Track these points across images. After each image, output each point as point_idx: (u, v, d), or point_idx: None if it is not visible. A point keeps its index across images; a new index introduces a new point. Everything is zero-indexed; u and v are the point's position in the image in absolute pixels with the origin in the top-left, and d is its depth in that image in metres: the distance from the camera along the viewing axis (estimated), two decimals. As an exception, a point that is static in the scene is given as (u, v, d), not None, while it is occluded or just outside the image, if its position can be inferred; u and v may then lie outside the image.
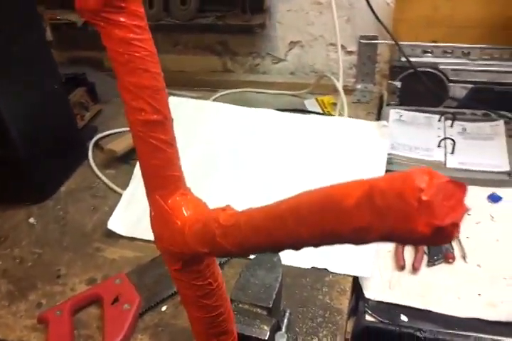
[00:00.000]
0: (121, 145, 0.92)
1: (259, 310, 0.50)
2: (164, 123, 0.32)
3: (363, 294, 0.70)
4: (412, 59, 0.87)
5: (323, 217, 0.18)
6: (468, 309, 0.67)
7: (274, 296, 0.51)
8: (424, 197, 0.15)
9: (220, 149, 0.89)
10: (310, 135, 0.89)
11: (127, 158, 0.94)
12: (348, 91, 0.98)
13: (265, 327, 0.45)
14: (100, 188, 0.91)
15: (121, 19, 0.28)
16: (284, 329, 0.54)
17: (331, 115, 0.99)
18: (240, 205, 0.39)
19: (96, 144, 0.99)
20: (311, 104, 1.05)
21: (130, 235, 0.79)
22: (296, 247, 0.21)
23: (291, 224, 0.20)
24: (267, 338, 0.45)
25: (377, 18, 0.86)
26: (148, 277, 0.73)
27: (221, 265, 0.74)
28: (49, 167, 0.87)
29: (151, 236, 0.77)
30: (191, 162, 0.86)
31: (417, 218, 0.14)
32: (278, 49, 1.05)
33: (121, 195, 0.86)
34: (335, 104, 1.03)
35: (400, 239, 0.15)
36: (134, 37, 0.28)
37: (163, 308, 0.70)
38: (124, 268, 0.75)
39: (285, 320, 0.59)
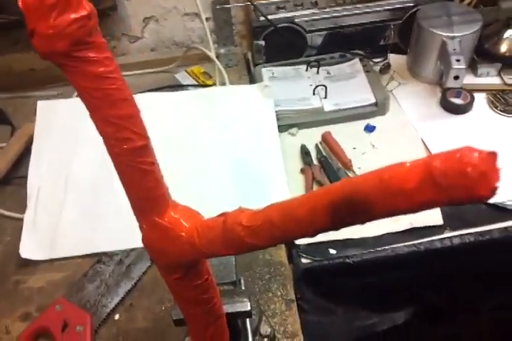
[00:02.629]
0: (-2, 166, 0.82)
1: (225, 287, 0.53)
2: (148, 145, 0.31)
3: (293, 242, 0.77)
4: (269, 17, 0.90)
5: (381, 200, 0.20)
6: (380, 227, 0.78)
7: (234, 270, 0.54)
8: (481, 170, 0.18)
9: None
10: (200, 109, 0.89)
11: (9, 178, 0.85)
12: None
13: (245, 300, 0.48)
14: (-9, 219, 0.81)
15: (92, 55, 0.26)
16: (244, 295, 0.58)
17: (207, 85, 1.00)
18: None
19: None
20: (182, 77, 1.04)
21: (48, 257, 0.74)
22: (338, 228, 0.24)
23: (342, 208, 0.22)
24: (249, 308, 0.48)
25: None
26: (89, 292, 0.71)
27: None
28: None
29: (72, 252, 0.75)
30: (93, 164, 0.82)
31: (479, 186, 0.18)
32: (133, 28, 1.00)
33: (17, 219, 0.79)
34: (206, 73, 1.04)
35: (461, 203, 0.19)
36: (106, 70, 0.27)
37: (116, 317, 0.69)
38: (57, 291, 0.71)
39: (242, 287, 0.63)
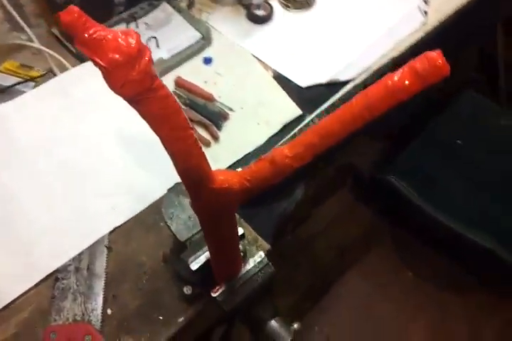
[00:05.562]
0: None
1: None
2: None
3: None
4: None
5: (390, 100, 0.31)
6: (261, 136, 0.91)
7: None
8: (442, 62, 0.29)
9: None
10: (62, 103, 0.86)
11: None
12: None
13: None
14: None
15: (158, 81, 0.31)
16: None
17: (35, 77, 0.94)
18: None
19: None
20: (1, 78, 0.95)
21: (1, 306, 0.70)
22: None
23: (366, 115, 0.31)
24: (243, 231, 0.59)
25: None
26: (70, 308, 0.70)
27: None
28: None
29: (23, 289, 0.72)
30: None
31: (444, 70, 0.29)
32: None
33: None
34: (24, 66, 0.96)
35: (435, 83, 0.30)
36: (168, 90, 0.33)
37: (109, 312, 0.71)
38: (35, 326, 0.69)
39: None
